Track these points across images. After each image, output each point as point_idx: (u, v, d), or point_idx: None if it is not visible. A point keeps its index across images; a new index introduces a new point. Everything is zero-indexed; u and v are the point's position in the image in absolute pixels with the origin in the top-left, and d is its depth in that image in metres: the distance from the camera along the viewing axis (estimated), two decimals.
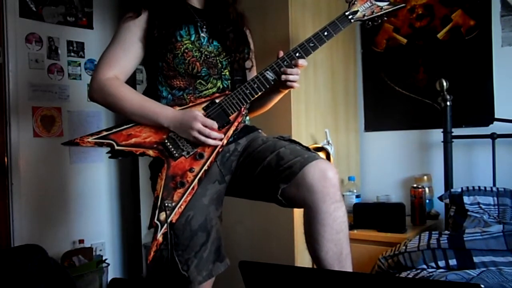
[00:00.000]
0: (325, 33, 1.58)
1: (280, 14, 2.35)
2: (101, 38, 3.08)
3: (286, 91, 1.70)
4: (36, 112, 2.78)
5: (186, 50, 1.58)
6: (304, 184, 1.43)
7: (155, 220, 1.47)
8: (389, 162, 2.90)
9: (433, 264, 1.80)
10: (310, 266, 2.44)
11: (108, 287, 2.76)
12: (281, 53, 1.59)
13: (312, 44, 1.58)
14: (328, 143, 2.47)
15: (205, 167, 1.53)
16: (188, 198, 1.51)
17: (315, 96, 2.54)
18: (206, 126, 1.50)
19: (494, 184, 2.39)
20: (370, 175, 2.96)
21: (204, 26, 1.64)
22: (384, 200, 2.67)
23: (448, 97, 2.46)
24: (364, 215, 2.46)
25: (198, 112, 1.53)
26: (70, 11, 2.96)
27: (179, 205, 1.49)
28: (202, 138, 1.51)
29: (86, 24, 3.05)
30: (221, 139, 1.54)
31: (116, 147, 1.52)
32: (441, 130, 2.51)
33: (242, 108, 1.58)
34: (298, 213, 2.38)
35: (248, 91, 1.56)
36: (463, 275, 1.64)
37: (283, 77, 1.56)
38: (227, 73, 1.67)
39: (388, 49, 2.90)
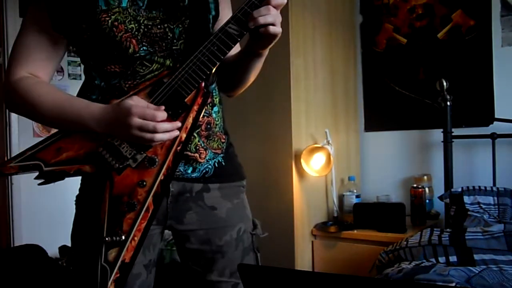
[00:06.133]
0: None
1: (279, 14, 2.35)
2: None
3: (266, 50, 1.17)
4: None
5: (116, 23, 1.11)
6: None
7: (103, 263, 1.05)
8: (389, 162, 2.90)
9: (433, 260, 1.81)
10: (311, 269, 2.44)
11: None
12: None
13: None
14: (328, 143, 2.47)
15: (161, 177, 1.08)
16: (143, 225, 1.06)
17: (315, 96, 2.54)
18: (145, 118, 1.04)
19: (494, 184, 2.39)
20: (370, 175, 2.96)
21: None
22: (384, 200, 2.67)
23: (448, 97, 2.46)
24: (364, 215, 2.46)
25: (134, 101, 1.06)
26: None
27: (130, 237, 1.05)
28: (148, 135, 1.05)
29: None
30: (178, 128, 1.08)
31: (45, 168, 1.11)
32: (441, 130, 2.51)
33: (201, 84, 1.10)
34: (298, 214, 2.38)
35: (206, 58, 1.07)
36: (465, 271, 1.65)
37: (251, 23, 1.06)
38: (181, 45, 1.17)
39: (388, 49, 2.89)
